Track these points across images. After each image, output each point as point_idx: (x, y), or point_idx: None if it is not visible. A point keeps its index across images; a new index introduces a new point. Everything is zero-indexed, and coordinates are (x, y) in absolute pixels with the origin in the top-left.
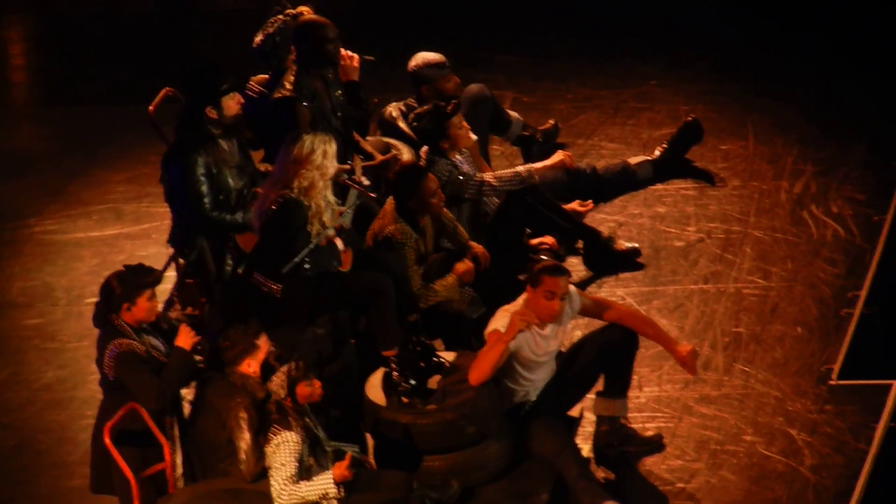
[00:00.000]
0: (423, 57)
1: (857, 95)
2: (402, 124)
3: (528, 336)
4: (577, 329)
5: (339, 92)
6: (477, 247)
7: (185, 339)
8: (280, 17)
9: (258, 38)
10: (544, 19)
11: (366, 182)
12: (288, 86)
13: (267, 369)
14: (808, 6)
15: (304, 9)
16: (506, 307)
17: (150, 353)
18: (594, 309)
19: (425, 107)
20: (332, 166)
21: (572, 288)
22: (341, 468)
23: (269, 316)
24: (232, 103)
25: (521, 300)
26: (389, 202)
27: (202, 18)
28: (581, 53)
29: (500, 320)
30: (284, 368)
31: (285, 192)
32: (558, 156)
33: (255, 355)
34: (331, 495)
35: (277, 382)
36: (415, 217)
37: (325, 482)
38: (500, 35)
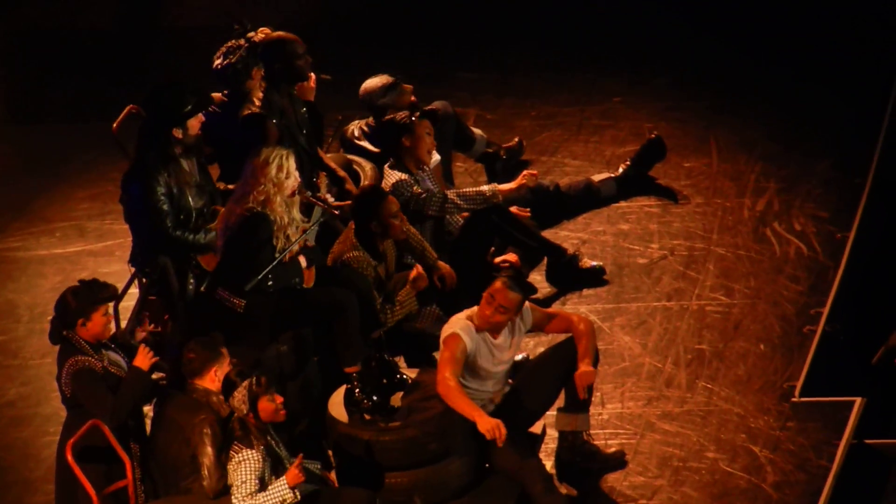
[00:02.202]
0: (372, 85)
1: (820, 113)
2: (364, 143)
3: (482, 344)
4: (539, 346)
5: (304, 109)
6: (444, 267)
7: (143, 359)
8: (241, 42)
9: (218, 62)
10: (506, 36)
11: (330, 199)
12: (257, 102)
13: (229, 385)
14: (769, 24)
15: (264, 31)
16: (460, 314)
17: (107, 369)
18: (546, 322)
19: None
20: (289, 182)
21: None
22: (293, 471)
23: (232, 332)
24: (195, 122)
25: (477, 307)
26: (351, 225)
27: (164, 35)
28: (544, 70)
29: (455, 324)
30: (245, 384)
31: (250, 206)
32: (522, 178)
33: (220, 364)
34: (288, 501)
35: (239, 398)
36: (375, 241)
37: (280, 489)
38: (463, 52)
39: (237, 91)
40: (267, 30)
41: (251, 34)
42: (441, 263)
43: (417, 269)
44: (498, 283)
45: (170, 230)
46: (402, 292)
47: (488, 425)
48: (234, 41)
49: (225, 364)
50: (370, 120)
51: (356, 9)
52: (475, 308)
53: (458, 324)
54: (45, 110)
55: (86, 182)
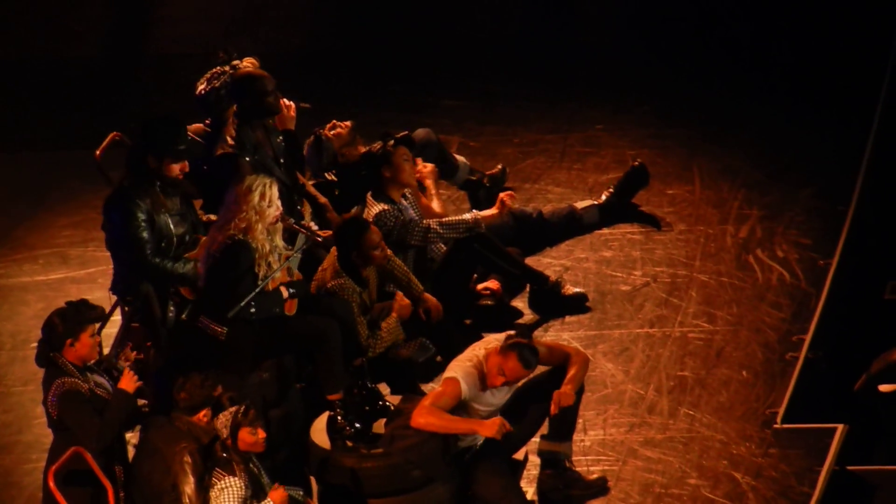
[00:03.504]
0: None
1: (803, 140)
2: (330, 176)
3: (481, 389)
4: None
5: (281, 138)
6: (430, 299)
7: (128, 382)
8: (226, 68)
9: (201, 88)
10: (488, 65)
11: (314, 227)
12: (230, 140)
13: (218, 406)
14: (751, 52)
15: (249, 60)
16: (467, 358)
17: (93, 391)
18: (547, 357)
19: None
20: (270, 210)
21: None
22: (277, 493)
23: (214, 360)
24: (175, 167)
25: (481, 349)
26: (333, 252)
27: (148, 64)
28: (526, 98)
29: (459, 369)
30: (233, 409)
31: (232, 234)
32: (500, 201)
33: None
34: None
35: (222, 421)
36: (357, 270)
37: None
38: (445, 80)
39: (219, 119)
40: (253, 60)
41: (236, 62)
42: (427, 296)
43: (399, 297)
44: (513, 359)
45: (148, 257)
46: (387, 321)
47: (493, 428)
48: (218, 68)
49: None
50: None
51: (339, 38)
52: (482, 352)
53: (461, 370)
54: (26, 138)
55: (68, 209)
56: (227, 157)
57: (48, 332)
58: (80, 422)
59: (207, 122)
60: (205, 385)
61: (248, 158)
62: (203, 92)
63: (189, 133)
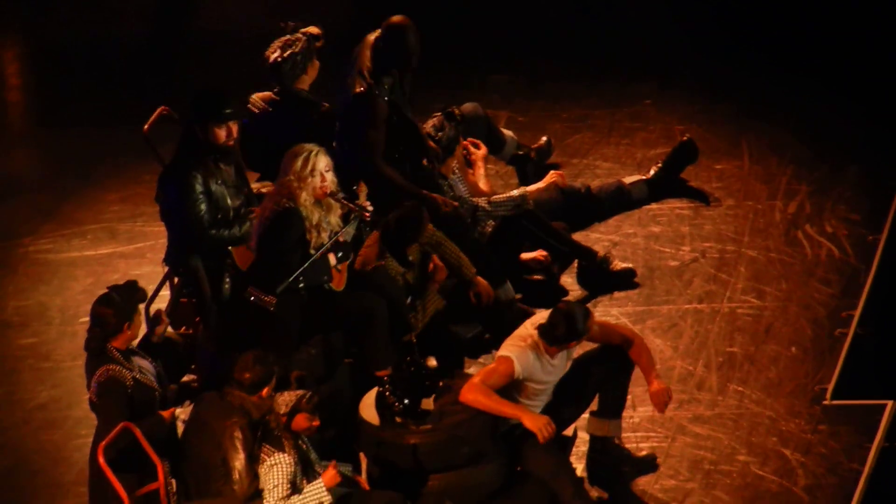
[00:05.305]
0: None
1: (851, 115)
2: None
3: (538, 366)
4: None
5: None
6: (482, 282)
7: (170, 414)
8: (297, 35)
9: (275, 55)
10: (536, 41)
11: (369, 207)
12: (368, 79)
13: (283, 382)
14: (799, 27)
15: (313, 29)
16: (522, 337)
17: (137, 379)
18: (601, 336)
19: (436, 118)
20: (314, 180)
21: None
22: (331, 472)
23: (262, 332)
24: (221, 132)
25: (532, 327)
26: (374, 235)
27: (194, 41)
28: (574, 74)
29: (514, 349)
30: (299, 393)
31: (280, 201)
32: (550, 177)
33: (271, 385)
34: (325, 503)
35: (285, 399)
36: (403, 252)
37: (317, 490)
38: (493, 55)
39: (287, 90)
40: (317, 29)
41: (303, 29)
42: (479, 279)
43: (434, 261)
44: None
45: (206, 229)
46: (426, 294)
47: (539, 423)
48: (288, 36)
49: (273, 383)
50: None
51: (384, 15)
52: (535, 330)
53: (516, 349)
54: (75, 114)
55: (117, 184)
56: (365, 96)
57: (102, 321)
58: (108, 412)
59: (276, 90)
60: (269, 361)
61: (386, 98)
62: (279, 58)
63: (257, 101)
